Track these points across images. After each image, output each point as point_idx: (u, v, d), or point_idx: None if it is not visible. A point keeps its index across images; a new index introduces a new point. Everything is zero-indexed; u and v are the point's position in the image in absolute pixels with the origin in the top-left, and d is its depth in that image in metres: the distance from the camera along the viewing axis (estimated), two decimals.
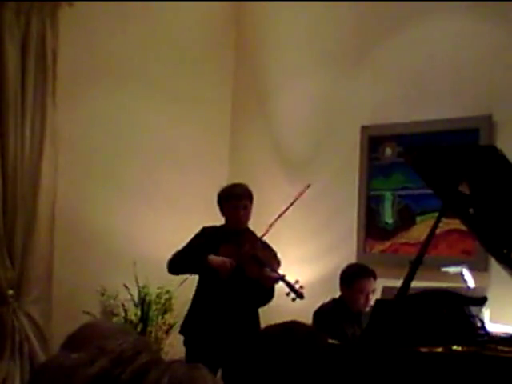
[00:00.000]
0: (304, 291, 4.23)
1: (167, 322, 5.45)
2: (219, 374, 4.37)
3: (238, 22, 6.19)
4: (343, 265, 4.70)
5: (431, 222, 3.50)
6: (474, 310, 3.40)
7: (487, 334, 3.39)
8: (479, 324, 3.39)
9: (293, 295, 4.24)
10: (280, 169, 5.78)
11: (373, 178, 5.22)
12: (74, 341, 1.54)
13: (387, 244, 5.12)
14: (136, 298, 5.44)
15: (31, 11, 5.08)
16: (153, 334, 5.40)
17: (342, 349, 3.24)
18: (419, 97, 5.01)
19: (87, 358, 0.96)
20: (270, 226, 4.52)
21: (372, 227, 5.19)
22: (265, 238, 4.52)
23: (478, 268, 4.45)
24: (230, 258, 4.34)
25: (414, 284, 3.29)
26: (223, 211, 4.52)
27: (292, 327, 2.05)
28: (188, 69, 5.93)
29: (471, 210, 3.62)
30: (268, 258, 4.39)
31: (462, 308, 3.35)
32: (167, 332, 5.44)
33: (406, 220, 5.03)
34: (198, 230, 4.54)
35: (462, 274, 4.25)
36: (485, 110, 4.65)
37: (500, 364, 2.98)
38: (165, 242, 5.02)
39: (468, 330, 3.29)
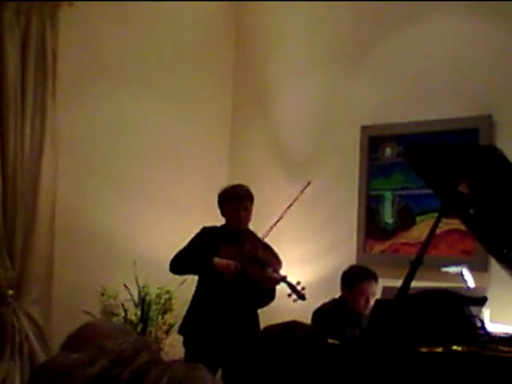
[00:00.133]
0: (306, 292, 4.24)
1: (167, 322, 5.45)
2: (219, 374, 4.37)
3: (237, 22, 6.20)
4: (343, 265, 4.70)
5: (431, 222, 3.50)
6: (474, 309, 3.40)
7: (487, 333, 3.39)
8: (479, 324, 3.39)
9: (294, 296, 4.24)
10: (280, 169, 5.78)
11: (373, 178, 5.22)
12: (74, 341, 1.54)
13: (387, 244, 5.12)
14: (136, 298, 5.44)
15: (31, 11, 5.07)
16: (153, 334, 5.40)
17: (341, 349, 3.24)
18: (419, 97, 5.01)
19: (87, 357, 0.96)
20: (272, 227, 4.51)
21: (372, 227, 5.19)
22: (265, 239, 4.52)
23: (478, 268, 4.45)
24: (232, 259, 4.33)
25: (414, 284, 3.29)
26: (224, 212, 4.51)
27: (292, 327, 2.05)
28: (188, 69, 5.93)
29: (471, 211, 3.62)
30: (269, 259, 4.39)
31: (461, 308, 3.35)
32: (167, 332, 5.44)
33: (405, 220, 5.03)
34: (197, 229, 4.53)
35: (462, 274, 4.25)
36: (485, 110, 4.65)
37: (500, 364, 2.98)
38: (165, 242, 5.02)
39: (468, 330, 3.29)
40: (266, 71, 5.99)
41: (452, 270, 4.35)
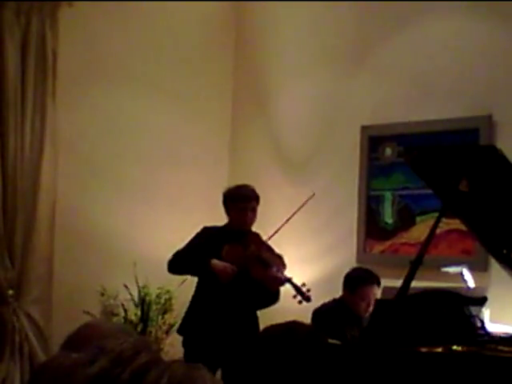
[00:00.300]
0: (311, 294, 4.24)
1: (167, 322, 5.45)
2: (218, 374, 4.37)
3: (237, 22, 6.19)
4: (343, 265, 4.70)
5: (431, 222, 3.50)
6: (474, 309, 3.40)
7: (487, 333, 3.39)
8: (479, 324, 3.39)
9: (299, 298, 4.24)
10: (280, 169, 5.78)
11: (373, 178, 5.22)
12: (74, 341, 1.54)
13: (387, 244, 5.12)
14: (136, 298, 5.44)
15: (31, 11, 5.08)
16: (153, 334, 5.40)
17: (342, 349, 3.24)
18: (419, 97, 5.01)
19: (87, 357, 0.96)
20: (273, 234, 4.49)
21: (372, 227, 5.19)
22: (265, 239, 4.52)
23: (478, 268, 4.45)
24: (234, 259, 4.32)
25: (414, 284, 3.29)
26: (229, 212, 4.50)
27: (292, 327, 2.06)
28: (188, 69, 5.93)
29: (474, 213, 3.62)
30: (274, 260, 4.38)
31: (461, 308, 3.35)
32: (167, 332, 5.44)
33: (405, 220, 5.03)
34: (198, 229, 4.53)
35: (462, 274, 4.25)
36: (485, 110, 4.65)
37: (500, 364, 2.98)
38: (165, 242, 5.02)
39: (468, 330, 3.29)
40: (266, 71, 5.99)
41: (452, 269, 4.35)
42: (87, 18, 5.41)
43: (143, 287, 5.44)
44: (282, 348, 1.97)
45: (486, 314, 3.71)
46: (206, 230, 4.51)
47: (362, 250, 5.22)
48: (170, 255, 4.45)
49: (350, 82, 5.41)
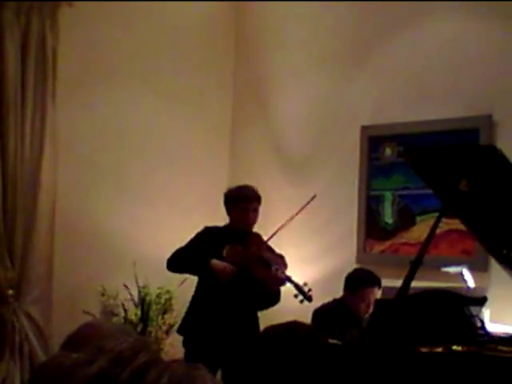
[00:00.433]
0: (312, 294, 4.23)
1: (167, 322, 5.45)
2: (218, 374, 4.36)
3: (237, 23, 6.19)
4: (343, 265, 4.70)
5: (431, 222, 3.50)
6: (474, 309, 3.40)
7: (487, 333, 3.38)
8: (479, 324, 3.38)
9: (301, 297, 4.23)
10: (280, 169, 5.78)
11: (373, 178, 5.22)
12: (74, 341, 1.54)
13: (387, 244, 5.12)
14: (136, 298, 5.44)
15: (31, 11, 5.07)
16: (153, 334, 5.40)
17: (342, 349, 3.24)
18: (419, 97, 5.01)
19: (86, 357, 0.96)
20: (272, 235, 4.49)
21: (372, 227, 5.19)
22: (264, 239, 4.51)
23: (478, 268, 4.45)
24: (235, 259, 4.31)
25: (414, 284, 3.29)
26: (231, 212, 4.49)
27: (293, 327, 2.06)
28: (188, 69, 5.93)
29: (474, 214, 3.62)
30: (275, 260, 4.38)
31: (461, 308, 3.35)
32: (167, 332, 5.43)
33: (405, 220, 5.03)
34: (198, 230, 4.52)
35: (462, 274, 4.25)
36: (485, 109, 4.65)
37: (500, 364, 2.98)
38: (165, 242, 5.01)
39: (468, 330, 3.29)
40: (266, 71, 5.99)
41: (452, 270, 4.35)
42: (87, 18, 5.40)
43: (143, 287, 5.44)
44: (282, 348, 1.97)
45: (486, 314, 3.71)
46: (207, 229, 4.51)
47: (362, 250, 5.22)
48: (169, 255, 4.44)
49: (350, 82, 5.41)
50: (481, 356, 3.04)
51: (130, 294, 5.42)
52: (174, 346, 5.12)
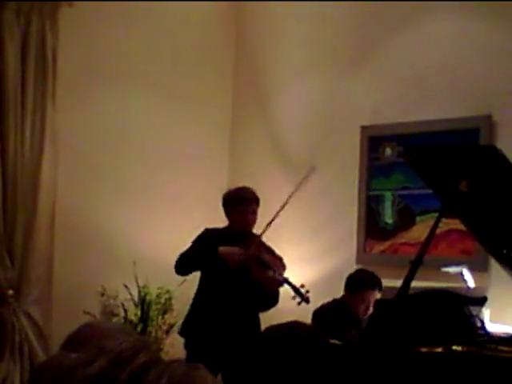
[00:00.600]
0: (309, 295, 4.24)
1: (167, 322, 5.45)
2: (219, 376, 4.36)
3: (237, 22, 6.19)
4: (343, 265, 4.69)
5: (431, 222, 3.50)
6: (474, 309, 3.40)
7: (487, 333, 3.38)
8: (479, 324, 3.38)
9: (298, 299, 4.24)
10: (280, 169, 5.78)
11: (373, 178, 5.22)
12: (74, 341, 1.53)
13: (387, 244, 5.12)
14: (136, 298, 5.44)
15: (31, 11, 5.07)
16: (153, 334, 5.40)
17: (342, 349, 3.24)
18: (419, 97, 5.01)
19: (86, 357, 0.96)
20: (274, 218, 4.47)
21: (372, 227, 5.19)
22: (264, 237, 4.51)
23: (478, 268, 4.45)
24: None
25: (414, 284, 3.29)
26: (230, 214, 4.49)
27: (294, 327, 2.05)
28: (188, 69, 5.93)
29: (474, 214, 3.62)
30: (273, 262, 4.38)
31: (461, 308, 3.35)
32: (167, 332, 5.43)
33: (405, 220, 5.03)
34: (198, 230, 4.52)
35: (462, 274, 4.25)
36: (485, 110, 4.65)
37: (500, 364, 2.98)
38: (165, 242, 5.02)
39: (468, 330, 3.29)
40: (266, 71, 5.99)
41: (452, 270, 4.35)
42: (87, 18, 5.40)
43: (143, 287, 5.44)
44: (283, 348, 1.97)
45: (486, 314, 3.71)
46: (207, 231, 4.51)
47: (362, 250, 5.22)
48: (170, 255, 4.44)
49: (350, 82, 5.41)
50: (481, 356, 3.04)
51: (130, 294, 5.42)
52: (174, 346, 5.12)
